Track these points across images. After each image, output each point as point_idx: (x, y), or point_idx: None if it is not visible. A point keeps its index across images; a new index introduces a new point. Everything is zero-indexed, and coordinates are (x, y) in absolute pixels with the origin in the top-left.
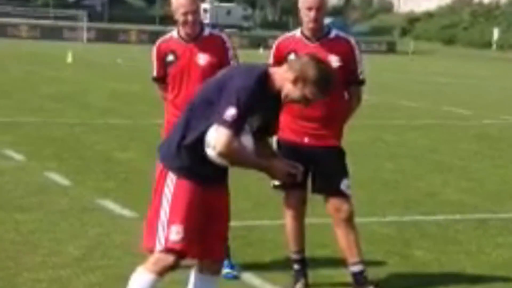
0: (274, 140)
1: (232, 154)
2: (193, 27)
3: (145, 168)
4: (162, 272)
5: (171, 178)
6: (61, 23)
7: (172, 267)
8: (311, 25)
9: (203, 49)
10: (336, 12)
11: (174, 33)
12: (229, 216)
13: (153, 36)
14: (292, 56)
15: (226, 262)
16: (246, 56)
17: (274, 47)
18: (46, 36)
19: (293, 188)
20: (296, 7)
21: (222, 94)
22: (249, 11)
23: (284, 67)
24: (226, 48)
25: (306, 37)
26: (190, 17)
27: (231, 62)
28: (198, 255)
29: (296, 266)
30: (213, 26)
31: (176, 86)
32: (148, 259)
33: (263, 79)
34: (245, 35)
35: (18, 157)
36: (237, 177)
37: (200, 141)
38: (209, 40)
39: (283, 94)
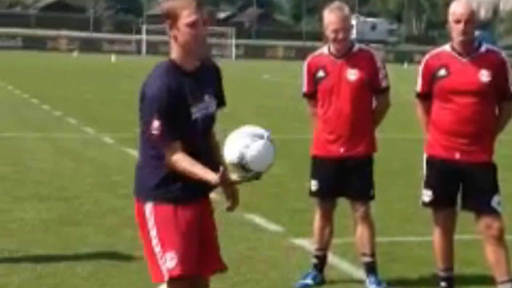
0: (424, 158)
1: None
2: (343, 43)
3: (291, 184)
4: None
5: (149, 208)
6: (210, 40)
7: None
8: (460, 38)
9: (353, 65)
10: (484, 25)
11: (324, 49)
12: (214, 227)
13: (300, 52)
14: (442, 72)
15: (372, 279)
16: (391, 71)
17: (422, 64)
18: None
19: (442, 205)
20: (443, 20)
21: (142, 109)
22: (394, 25)
23: None
24: (377, 67)
25: (457, 52)
26: (340, 35)
27: (382, 83)
28: (200, 271)
29: (443, 284)
30: (359, 41)
31: (326, 102)
32: None
33: (167, 66)
34: (390, 49)
35: None
36: (380, 193)
37: (153, 158)
38: (359, 56)
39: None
